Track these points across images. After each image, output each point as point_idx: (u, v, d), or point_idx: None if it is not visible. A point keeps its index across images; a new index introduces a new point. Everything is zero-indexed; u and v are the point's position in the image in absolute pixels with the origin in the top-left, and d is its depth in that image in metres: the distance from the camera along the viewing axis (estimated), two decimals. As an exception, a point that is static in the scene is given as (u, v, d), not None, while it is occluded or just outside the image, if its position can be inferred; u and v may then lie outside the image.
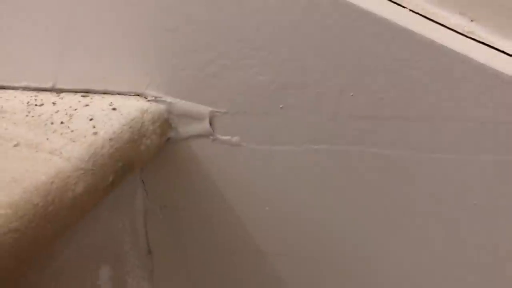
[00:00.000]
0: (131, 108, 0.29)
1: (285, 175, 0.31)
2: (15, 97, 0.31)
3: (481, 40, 0.30)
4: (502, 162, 0.29)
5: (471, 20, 0.30)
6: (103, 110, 0.29)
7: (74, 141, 0.26)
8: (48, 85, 0.31)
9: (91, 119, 0.28)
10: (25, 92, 0.31)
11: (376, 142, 0.30)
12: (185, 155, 0.32)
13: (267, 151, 0.31)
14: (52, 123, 0.27)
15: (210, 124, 0.31)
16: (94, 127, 0.27)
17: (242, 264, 0.36)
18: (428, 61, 0.27)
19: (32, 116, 0.28)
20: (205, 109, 0.30)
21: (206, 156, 0.32)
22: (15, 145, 0.25)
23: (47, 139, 0.26)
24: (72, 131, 0.27)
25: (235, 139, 0.31)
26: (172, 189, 0.34)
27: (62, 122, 0.27)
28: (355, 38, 0.27)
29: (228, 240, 0.35)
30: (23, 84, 0.31)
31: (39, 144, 0.25)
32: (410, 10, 0.29)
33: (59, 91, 0.31)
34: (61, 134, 0.26)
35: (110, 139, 0.27)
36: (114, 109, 0.29)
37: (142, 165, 0.30)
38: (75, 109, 0.29)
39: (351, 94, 0.28)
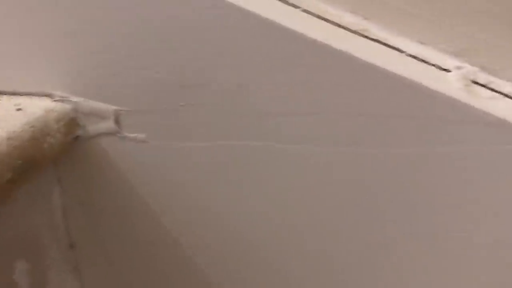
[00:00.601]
0: (36, 108, 0.30)
1: (190, 170, 0.32)
2: None
3: (374, 38, 0.32)
4: (395, 155, 0.30)
5: (365, 18, 0.32)
6: (7, 110, 0.30)
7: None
8: None
9: (-6, 120, 0.29)
10: None
11: (276, 137, 0.31)
12: (95, 152, 0.33)
13: (172, 147, 0.32)
14: None
15: (116, 122, 0.32)
16: (-7, 128, 0.28)
17: (161, 256, 0.37)
18: (313, 59, 0.28)
19: None
20: (109, 108, 0.31)
21: (115, 153, 0.33)
22: None
23: None
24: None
25: (141, 136, 0.32)
26: (87, 185, 0.35)
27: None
28: (246, 39, 0.28)
29: (145, 233, 0.36)
30: None
31: None
32: (303, 10, 0.31)
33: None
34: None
35: (8, 138, 0.28)
36: (19, 109, 0.30)
37: (47, 163, 0.31)
38: (-25, 112, 0.30)
39: (248, 91, 0.30)
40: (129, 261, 0.38)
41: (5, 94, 0.32)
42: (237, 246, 0.35)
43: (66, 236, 0.37)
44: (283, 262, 0.35)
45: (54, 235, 0.36)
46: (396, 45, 0.31)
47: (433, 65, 0.31)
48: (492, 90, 0.31)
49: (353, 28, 0.31)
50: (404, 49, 0.31)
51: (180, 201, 0.34)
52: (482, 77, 0.31)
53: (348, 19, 0.31)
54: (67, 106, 0.31)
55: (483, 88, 0.31)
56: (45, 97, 0.32)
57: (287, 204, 0.32)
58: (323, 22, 0.30)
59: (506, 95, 0.31)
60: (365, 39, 0.31)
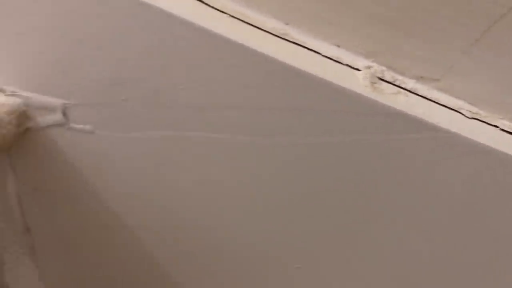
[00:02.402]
0: (-13, 102, 0.34)
1: (133, 158, 0.36)
2: None
3: (294, 41, 0.36)
4: (307, 145, 0.34)
5: (286, 24, 0.36)
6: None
7: None
8: None
9: None
10: None
11: (206, 128, 0.35)
12: (45, 142, 0.36)
13: (116, 137, 0.35)
14: None
15: (64, 114, 0.35)
16: None
17: (112, 237, 0.41)
18: (234, 59, 0.32)
19: None
20: (57, 102, 0.35)
21: (64, 143, 0.36)
22: None
23: None
24: None
25: (88, 127, 0.36)
26: (39, 173, 0.38)
27: None
28: (172, 42, 0.32)
29: (95, 217, 0.40)
30: None
31: None
32: (229, 16, 0.35)
33: None
34: None
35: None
36: (-31, 103, 0.33)
37: (0, 152, 0.34)
38: None
39: (179, 87, 0.33)
40: (83, 244, 0.41)
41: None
42: (179, 226, 0.39)
43: (21, 220, 0.40)
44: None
45: (9, 219, 0.39)
46: (314, 48, 0.35)
47: (346, 65, 0.36)
48: (398, 86, 0.36)
49: (275, 33, 0.35)
50: (321, 51, 0.35)
51: (124, 187, 0.38)
52: (389, 75, 0.36)
53: (270, 24, 0.35)
54: (18, 100, 0.35)
55: (389, 85, 0.36)
56: (-4, 92, 0.35)
57: (216, 187, 0.36)
58: (247, 26, 0.34)
59: (408, 91, 0.36)
60: (285, 42, 0.35)
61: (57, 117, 0.35)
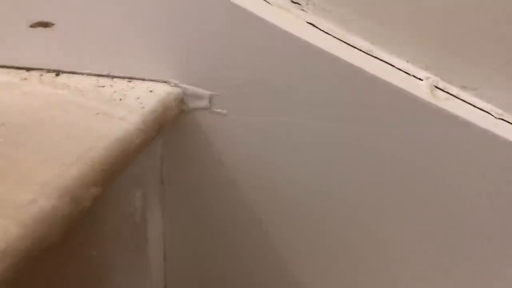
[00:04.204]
0: (161, 91, 0.47)
1: (259, 141, 0.50)
2: (82, 80, 0.48)
3: (376, 56, 0.49)
4: (389, 135, 0.48)
5: (372, 43, 0.49)
6: (144, 92, 0.46)
7: (131, 112, 0.44)
8: (105, 72, 0.48)
9: (138, 98, 0.46)
10: (89, 77, 0.48)
11: (309, 116, 0.49)
12: (191, 121, 0.50)
13: (243, 120, 0.49)
14: (114, 100, 0.45)
15: (209, 101, 0.49)
16: (141, 103, 0.45)
17: (236, 216, 0.55)
18: (324, 69, 0.46)
19: (100, 95, 0.46)
20: (206, 92, 0.48)
21: (205, 123, 0.50)
22: (97, 113, 0.43)
23: (115, 110, 0.44)
24: (128, 105, 0.44)
25: (224, 111, 0.49)
26: (181, 142, 0.52)
27: (120, 99, 0.45)
28: (293, 61, 0.46)
29: (221, 187, 0.54)
30: (87, 71, 0.48)
31: (111, 113, 0.43)
32: (333, 36, 0.48)
33: (112, 77, 0.48)
34: (122, 107, 0.44)
35: (152, 111, 0.45)
36: (151, 91, 0.47)
37: (167, 127, 0.48)
38: (126, 91, 0.46)
39: (295, 89, 0.47)
40: (211, 204, 0.55)
41: (137, 79, 0.48)
42: (307, 217, 0.53)
43: (159, 175, 0.55)
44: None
45: (154, 173, 0.53)
46: (390, 62, 0.49)
47: (412, 75, 0.49)
48: (447, 93, 0.50)
49: (363, 50, 0.48)
50: (394, 64, 0.49)
51: (252, 167, 0.52)
52: (441, 84, 0.50)
53: (356, 41, 0.48)
54: (178, 90, 0.48)
55: (442, 92, 0.50)
56: (164, 83, 0.48)
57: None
58: (344, 44, 0.48)
59: (455, 96, 0.50)
60: (371, 58, 0.48)
61: (204, 103, 0.49)
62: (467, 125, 0.47)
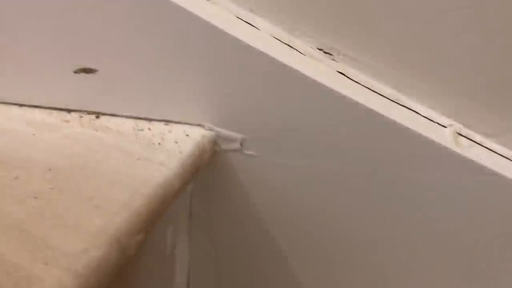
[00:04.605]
0: (197, 134, 0.49)
1: (285, 181, 0.52)
2: (123, 123, 0.50)
3: (404, 105, 0.51)
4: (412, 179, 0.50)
5: (398, 91, 0.51)
6: (181, 135, 0.49)
7: (170, 157, 0.46)
8: (143, 115, 0.51)
9: (176, 142, 0.48)
10: (128, 119, 0.50)
11: (334, 159, 0.51)
12: (223, 161, 0.52)
13: (273, 162, 0.51)
14: (153, 144, 0.47)
15: (240, 144, 0.51)
16: (179, 147, 0.47)
17: (258, 246, 0.57)
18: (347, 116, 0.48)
19: (139, 138, 0.48)
20: (238, 136, 0.50)
21: (236, 163, 0.52)
22: (138, 159, 0.45)
23: (154, 155, 0.46)
24: (167, 150, 0.47)
25: (255, 153, 0.51)
26: (213, 181, 0.54)
27: (159, 144, 0.47)
28: (317, 112, 0.48)
29: (245, 223, 0.56)
30: (126, 113, 0.51)
31: (151, 158, 0.45)
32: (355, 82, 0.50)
33: (150, 120, 0.50)
34: (162, 152, 0.46)
35: (189, 156, 0.47)
36: (187, 135, 0.49)
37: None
38: (164, 134, 0.49)
39: (321, 135, 0.49)
40: (227, 239, 0.58)
41: (173, 123, 0.50)
42: (328, 258, 0.55)
43: (189, 210, 0.57)
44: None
45: (184, 209, 0.56)
46: (415, 109, 0.51)
47: (437, 123, 0.51)
48: (470, 140, 0.51)
49: (390, 98, 0.50)
50: (419, 112, 0.51)
51: (278, 206, 0.54)
52: (464, 131, 0.52)
53: (386, 91, 0.50)
54: (212, 133, 0.50)
55: (465, 139, 0.52)
56: (199, 126, 0.50)
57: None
58: (371, 92, 0.50)
59: (477, 143, 0.51)
60: (397, 106, 0.50)
61: (236, 145, 0.51)
62: (488, 172, 0.49)
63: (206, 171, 0.54)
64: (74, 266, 0.34)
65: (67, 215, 0.39)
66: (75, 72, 0.48)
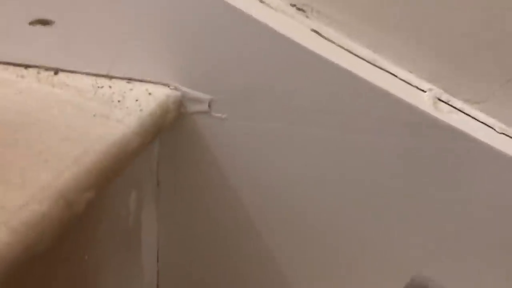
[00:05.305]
0: (160, 93, 0.46)
1: (257, 146, 0.49)
2: (82, 79, 0.47)
3: (381, 67, 0.49)
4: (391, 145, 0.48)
5: (375, 52, 0.48)
6: (143, 94, 0.46)
7: (129, 115, 0.43)
8: (104, 72, 0.48)
9: (136, 100, 0.45)
10: (88, 76, 0.48)
11: (309, 123, 0.48)
12: (190, 125, 0.50)
13: (243, 125, 0.49)
14: (112, 101, 0.44)
15: (209, 106, 0.48)
16: (139, 105, 0.44)
17: (229, 217, 0.55)
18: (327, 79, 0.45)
19: (98, 95, 0.45)
20: (206, 96, 0.48)
21: (204, 126, 0.49)
22: (94, 115, 0.42)
23: (113, 112, 0.43)
24: (127, 107, 0.44)
25: (224, 115, 0.49)
26: (179, 145, 0.51)
27: (119, 101, 0.44)
28: (296, 69, 0.45)
29: (214, 189, 0.53)
30: (87, 70, 0.48)
31: (108, 115, 0.42)
32: (337, 45, 0.47)
33: (111, 77, 0.48)
34: (120, 109, 0.43)
35: (150, 114, 0.44)
36: (150, 94, 0.46)
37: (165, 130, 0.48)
38: (125, 92, 0.46)
39: (296, 94, 0.47)
40: (197, 206, 0.55)
41: (136, 81, 0.48)
42: (302, 223, 0.53)
43: (156, 176, 0.54)
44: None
45: (151, 175, 0.53)
46: (393, 71, 0.48)
47: (415, 86, 0.48)
48: (450, 105, 0.49)
49: (366, 59, 0.48)
50: (398, 75, 0.48)
51: (249, 171, 0.51)
52: (445, 97, 0.49)
53: (362, 51, 0.48)
54: (178, 93, 0.47)
55: (445, 104, 0.49)
56: (163, 85, 0.48)
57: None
58: (346, 52, 0.47)
59: (458, 109, 0.49)
60: (373, 67, 0.48)
61: (204, 107, 0.48)
62: (468, 139, 0.46)
63: (173, 136, 0.51)
64: (11, 222, 0.32)
65: (11, 170, 0.36)
66: (31, 24, 0.45)
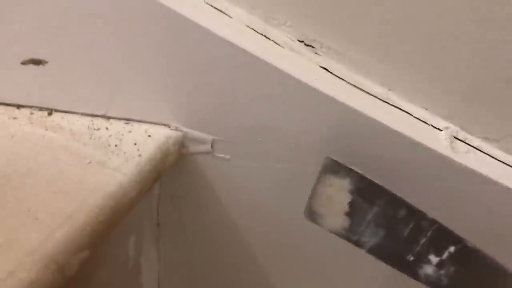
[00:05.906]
0: (160, 135, 0.44)
1: (261, 186, 0.47)
2: (77, 120, 0.44)
3: (395, 105, 0.46)
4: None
5: (389, 90, 0.45)
6: (142, 136, 0.43)
7: (127, 161, 0.40)
8: (101, 112, 0.45)
9: (135, 144, 0.42)
10: (84, 117, 0.45)
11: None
12: (192, 165, 0.47)
13: (246, 165, 0.46)
14: (109, 145, 0.42)
15: (211, 146, 0.45)
16: (138, 150, 0.42)
17: (229, 251, 0.52)
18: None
19: (94, 139, 0.42)
20: (209, 137, 0.45)
21: (206, 167, 0.47)
22: (89, 163, 0.40)
23: (109, 158, 0.40)
24: (124, 152, 0.41)
25: (227, 156, 0.46)
26: (181, 186, 0.49)
27: (116, 145, 0.42)
28: (289, 104, 0.42)
29: (216, 225, 0.51)
30: (82, 110, 0.45)
31: (105, 162, 0.40)
32: (347, 82, 0.44)
33: (108, 118, 0.45)
34: (118, 155, 0.41)
35: (149, 159, 0.41)
36: (149, 135, 0.43)
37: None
38: (122, 134, 0.43)
39: (299, 134, 0.44)
40: (201, 243, 0.52)
41: (135, 121, 0.45)
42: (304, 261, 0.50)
43: (156, 219, 0.51)
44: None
45: (150, 218, 0.50)
46: (407, 109, 0.45)
47: (431, 125, 0.46)
48: (467, 144, 0.46)
49: (379, 97, 0.45)
50: (412, 113, 0.45)
51: (253, 212, 0.48)
52: (461, 135, 0.46)
53: (375, 89, 0.45)
54: (179, 134, 0.45)
55: (462, 143, 0.46)
56: (164, 126, 0.45)
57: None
58: (358, 91, 0.44)
59: (475, 148, 0.46)
60: (388, 105, 0.45)
61: (207, 147, 0.45)
62: (490, 182, 0.43)
63: (174, 176, 0.48)
64: (-4, 293, 0.29)
65: (-2, 230, 0.33)
66: (23, 63, 0.42)
